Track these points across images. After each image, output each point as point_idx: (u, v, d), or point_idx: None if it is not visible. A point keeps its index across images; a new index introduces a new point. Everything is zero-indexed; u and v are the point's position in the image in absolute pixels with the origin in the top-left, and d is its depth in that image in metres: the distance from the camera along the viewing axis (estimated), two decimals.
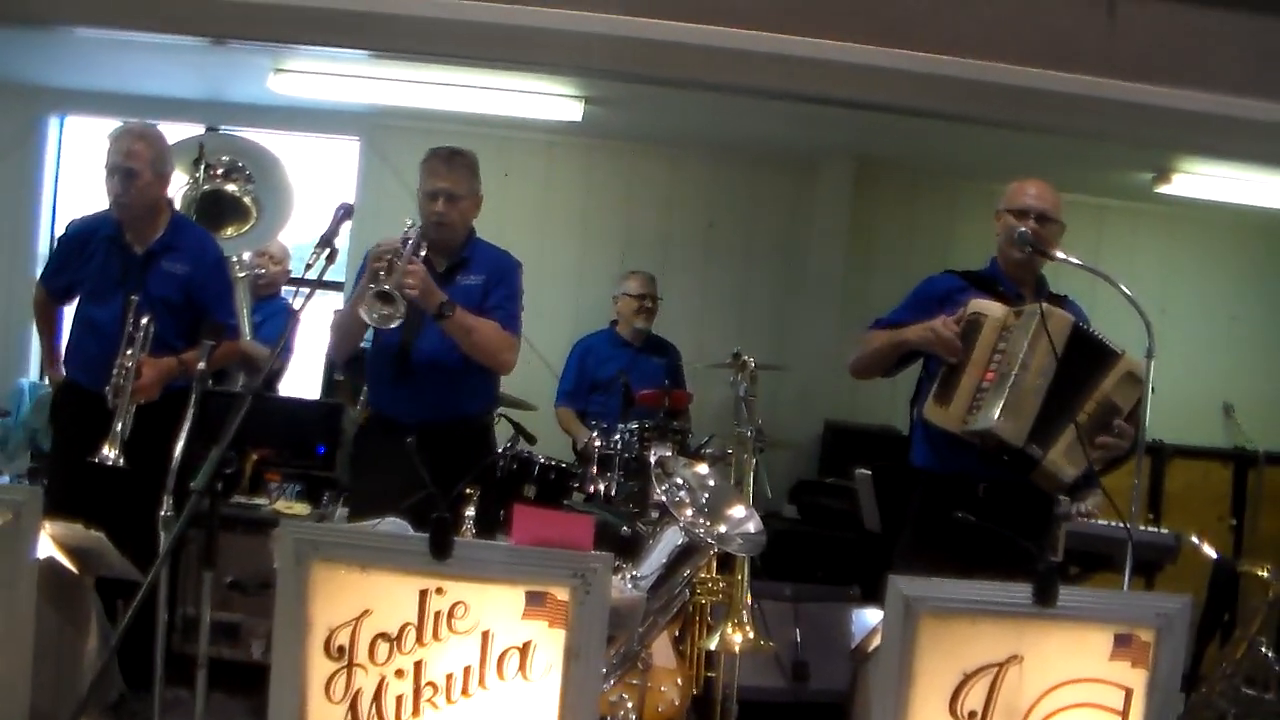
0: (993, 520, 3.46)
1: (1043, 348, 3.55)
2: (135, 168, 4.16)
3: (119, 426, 3.95)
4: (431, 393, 4.00)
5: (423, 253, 3.95)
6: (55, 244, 4.48)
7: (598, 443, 5.09)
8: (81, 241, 4.35)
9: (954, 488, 3.77)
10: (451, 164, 4.06)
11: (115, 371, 4.03)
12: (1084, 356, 3.59)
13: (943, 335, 3.67)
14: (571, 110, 6.09)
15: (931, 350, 3.74)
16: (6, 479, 5.70)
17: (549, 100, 6.04)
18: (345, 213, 3.17)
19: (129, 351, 4.05)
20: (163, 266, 4.26)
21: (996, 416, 3.51)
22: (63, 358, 4.43)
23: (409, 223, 3.97)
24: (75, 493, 4.00)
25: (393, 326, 3.74)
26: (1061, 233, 3.90)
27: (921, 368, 3.92)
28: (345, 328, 4.04)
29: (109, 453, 3.88)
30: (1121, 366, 3.58)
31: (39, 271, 6.79)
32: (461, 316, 3.91)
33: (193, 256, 4.31)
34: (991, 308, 3.70)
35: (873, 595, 4.54)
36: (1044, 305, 3.63)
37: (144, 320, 4.08)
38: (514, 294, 4.19)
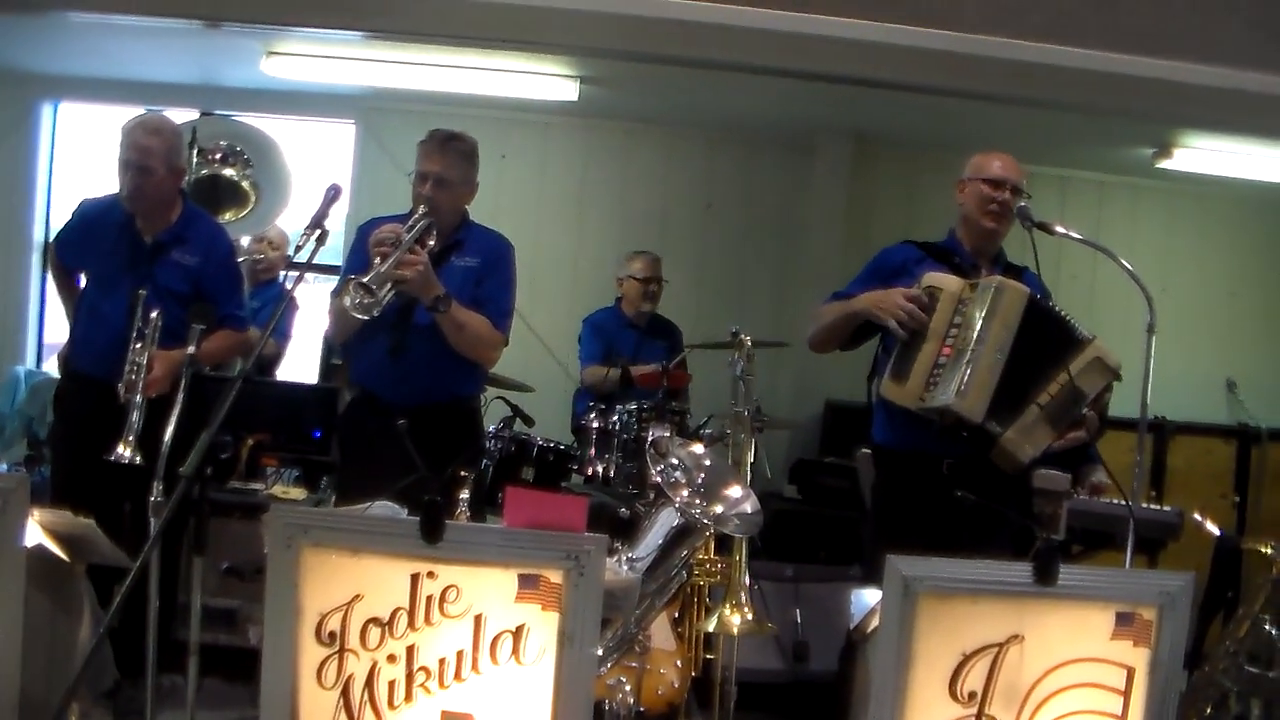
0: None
1: (999, 322, 3.48)
2: (150, 165, 4.09)
3: (133, 424, 3.88)
4: (425, 373, 3.95)
5: (431, 242, 3.89)
6: (72, 215, 4.41)
7: (596, 423, 5.07)
8: (92, 222, 4.29)
9: (917, 465, 3.74)
10: (445, 149, 3.99)
11: (127, 368, 3.98)
12: (1042, 332, 3.52)
13: (904, 305, 3.60)
14: (567, 90, 6.06)
15: (880, 320, 3.68)
16: (4, 467, 5.68)
17: (544, 80, 6.00)
18: (334, 194, 3.14)
19: (138, 346, 4.00)
20: (172, 257, 4.19)
21: (954, 393, 3.46)
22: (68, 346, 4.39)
23: (422, 209, 3.92)
24: (82, 482, 4.00)
25: (373, 316, 3.67)
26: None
27: (879, 343, 3.86)
28: (338, 312, 3.98)
29: (124, 451, 3.83)
30: (1090, 352, 3.51)
31: (34, 259, 6.83)
32: (456, 311, 3.86)
33: (203, 249, 4.25)
34: (947, 280, 3.64)
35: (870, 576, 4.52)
36: (999, 278, 3.58)
37: (153, 314, 4.03)
38: (507, 284, 4.14)
